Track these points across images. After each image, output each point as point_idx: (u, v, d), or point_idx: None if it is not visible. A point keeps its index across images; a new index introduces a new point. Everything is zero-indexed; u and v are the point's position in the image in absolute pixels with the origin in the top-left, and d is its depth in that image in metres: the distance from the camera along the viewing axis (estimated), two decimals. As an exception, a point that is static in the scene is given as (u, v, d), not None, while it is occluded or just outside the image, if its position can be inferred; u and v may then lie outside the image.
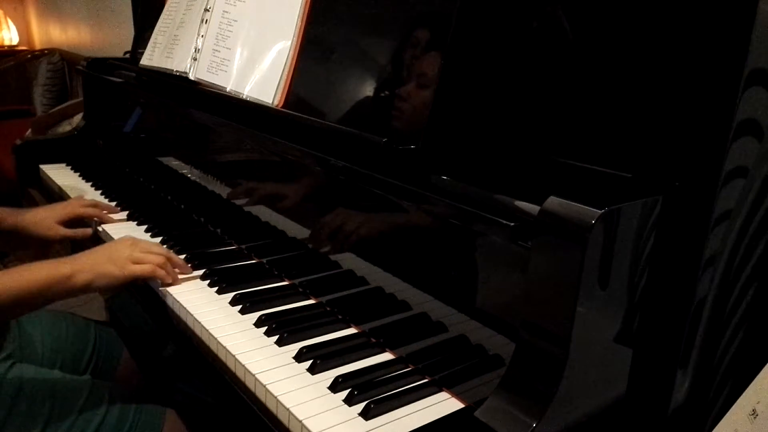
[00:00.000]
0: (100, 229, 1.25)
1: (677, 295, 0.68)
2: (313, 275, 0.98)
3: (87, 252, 0.98)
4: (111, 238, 1.20)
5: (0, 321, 1.03)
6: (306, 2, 0.99)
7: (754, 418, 0.57)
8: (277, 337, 0.85)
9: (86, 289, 0.94)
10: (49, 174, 1.62)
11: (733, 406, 0.59)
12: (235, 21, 1.10)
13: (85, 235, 1.25)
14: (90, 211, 1.27)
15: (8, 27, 4.36)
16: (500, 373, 0.63)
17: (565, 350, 0.58)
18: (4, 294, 0.86)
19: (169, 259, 1.00)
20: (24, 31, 4.49)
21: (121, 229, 1.24)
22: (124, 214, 1.30)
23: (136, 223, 1.26)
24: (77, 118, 2.40)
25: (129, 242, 1.00)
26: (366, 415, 0.70)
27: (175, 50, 1.25)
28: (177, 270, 1.01)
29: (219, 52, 1.11)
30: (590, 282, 0.58)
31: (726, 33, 0.62)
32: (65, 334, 1.17)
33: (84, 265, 0.93)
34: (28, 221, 1.23)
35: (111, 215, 1.29)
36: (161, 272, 0.98)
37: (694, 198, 0.65)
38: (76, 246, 1.79)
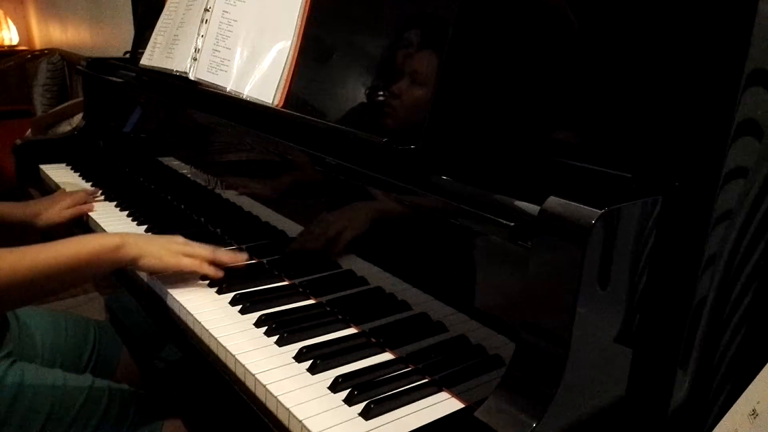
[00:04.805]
0: (96, 225, 1.26)
1: (677, 295, 0.68)
2: (313, 275, 0.98)
3: (139, 233, 1.03)
4: (102, 229, 1.23)
5: (53, 292, 1.04)
6: (306, 2, 0.99)
7: (754, 418, 0.57)
8: (277, 337, 0.85)
9: (133, 263, 0.95)
10: (49, 174, 1.62)
11: (733, 406, 0.59)
12: (235, 21, 1.10)
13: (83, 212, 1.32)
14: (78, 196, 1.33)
15: (8, 27, 4.36)
16: (500, 373, 0.63)
17: (565, 350, 0.58)
18: (54, 263, 0.87)
19: (216, 257, 1.01)
20: (24, 31, 4.49)
21: (120, 227, 1.24)
22: (126, 218, 1.32)
23: (136, 223, 1.26)
24: (77, 118, 2.40)
25: (182, 239, 1.01)
26: (366, 415, 0.70)
27: (175, 50, 1.25)
28: (228, 262, 1.02)
29: (219, 52, 1.11)
30: (590, 282, 0.58)
31: (726, 33, 0.62)
32: (65, 333, 1.17)
33: (135, 241, 0.96)
34: (37, 211, 1.29)
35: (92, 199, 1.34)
36: (208, 269, 0.98)
37: (694, 198, 0.65)
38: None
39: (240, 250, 1.13)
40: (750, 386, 0.58)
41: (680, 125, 0.67)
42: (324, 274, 0.95)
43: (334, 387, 0.75)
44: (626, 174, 0.70)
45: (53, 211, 1.28)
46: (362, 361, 0.81)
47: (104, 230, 1.23)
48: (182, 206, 1.36)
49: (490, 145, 0.84)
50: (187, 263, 0.97)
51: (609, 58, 0.75)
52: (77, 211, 1.30)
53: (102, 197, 1.40)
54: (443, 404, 0.74)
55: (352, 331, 0.88)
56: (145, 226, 1.24)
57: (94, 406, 0.98)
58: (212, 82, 1.11)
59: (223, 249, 1.04)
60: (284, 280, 1.02)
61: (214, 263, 0.99)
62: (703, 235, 0.65)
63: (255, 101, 1.02)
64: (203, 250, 1.00)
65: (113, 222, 1.27)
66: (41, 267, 0.86)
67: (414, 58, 0.82)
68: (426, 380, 0.77)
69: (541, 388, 0.59)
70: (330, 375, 0.77)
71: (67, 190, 1.49)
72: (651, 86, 0.70)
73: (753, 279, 0.74)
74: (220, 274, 0.99)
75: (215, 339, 0.85)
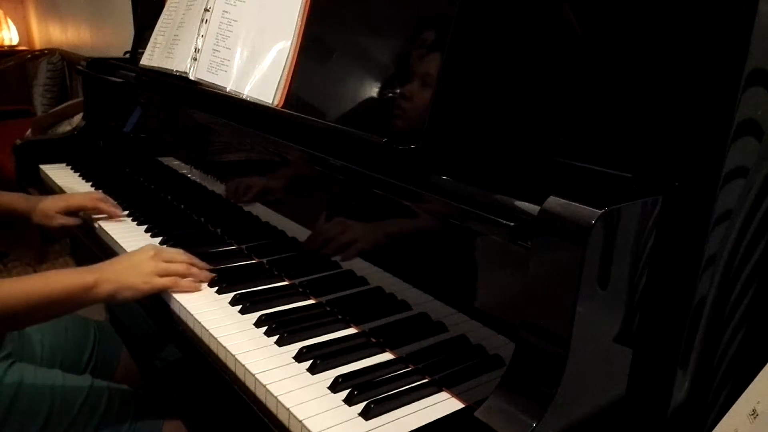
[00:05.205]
0: (96, 225, 1.26)
1: (677, 295, 0.68)
2: (313, 275, 0.98)
3: (110, 261, 0.97)
4: (107, 235, 1.21)
5: (19, 327, 1.03)
6: (306, 2, 0.99)
7: (754, 418, 0.57)
8: (277, 337, 0.85)
9: (108, 300, 0.93)
10: (49, 174, 1.62)
11: (733, 406, 0.59)
12: (235, 21, 1.10)
13: (74, 223, 1.29)
14: (90, 203, 1.29)
15: (8, 27, 4.35)
16: (500, 373, 0.63)
17: (565, 350, 0.58)
18: (25, 300, 0.86)
19: (192, 265, 0.99)
20: (24, 31, 4.49)
21: (120, 227, 1.24)
22: (126, 218, 1.30)
23: (136, 223, 1.26)
24: (77, 118, 2.40)
25: (152, 252, 0.98)
26: (366, 415, 0.70)
27: (175, 50, 1.25)
28: (200, 272, 1.00)
29: (219, 52, 1.11)
30: (590, 282, 0.58)
31: (726, 33, 0.62)
32: (65, 334, 1.17)
33: (108, 276, 0.92)
34: (35, 208, 1.28)
35: (114, 211, 1.29)
36: (184, 285, 0.96)
37: (694, 198, 0.65)
38: (75, 246, 1.79)
39: (240, 250, 1.14)
40: (750, 386, 0.58)
41: (680, 125, 0.67)
42: (324, 274, 0.95)
43: (334, 387, 0.75)
44: (626, 174, 0.71)
45: (48, 214, 1.27)
46: (362, 361, 0.81)
47: (105, 231, 1.23)
48: (182, 206, 1.36)
49: (491, 145, 0.84)
50: (163, 284, 0.95)
51: (609, 57, 0.75)
52: (67, 221, 1.29)
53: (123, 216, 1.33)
54: (443, 404, 0.74)
55: (352, 331, 0.88)
56: (145, 226, 1.24)
57: (93, 407, 0.98)
58: (212, 82, 1.11)
59: (197, 258, 1.02)
60: (284, 280, 1.02)
61: (190, 273, 0.98)
62: (703, 235, 0.65)
63: (255, 101, 1.02)
64: (178, 265, 0.97)
65: (113, 222, 1.27)
66: (12, 302, 0.85)
67: (415, 58, 0.81)
68: (426, 380, 0.77)
69: (541, 388, 0.59)
70: (330, 375, 0.77)
71: (66, 190, 1.49)
72: (651, 86, 0.70)
73: (753, 279, 0.74)
74: (198, 287, 0.97)
75: (215, 339, 0.85)
